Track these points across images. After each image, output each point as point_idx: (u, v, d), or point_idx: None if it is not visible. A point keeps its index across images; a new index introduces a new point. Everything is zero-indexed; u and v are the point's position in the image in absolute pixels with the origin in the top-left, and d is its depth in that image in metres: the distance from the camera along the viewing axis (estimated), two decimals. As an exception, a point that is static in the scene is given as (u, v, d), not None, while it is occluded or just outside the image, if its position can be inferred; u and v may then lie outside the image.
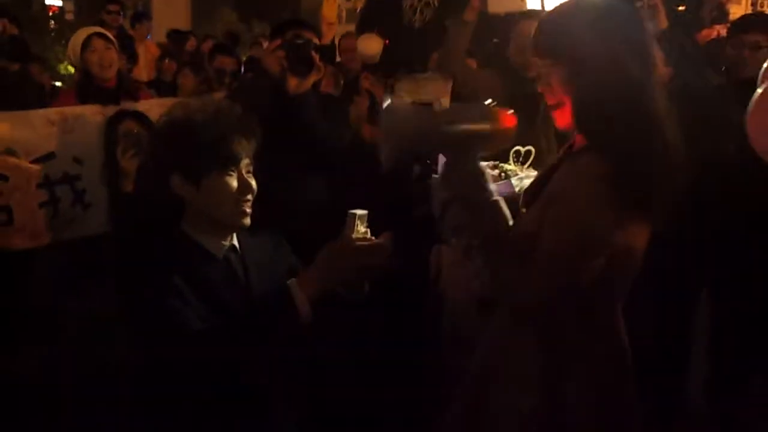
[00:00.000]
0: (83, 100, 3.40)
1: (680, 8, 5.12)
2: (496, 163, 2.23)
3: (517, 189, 2.04)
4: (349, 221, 1.65)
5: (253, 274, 1.78)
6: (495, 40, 3.75)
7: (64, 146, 2.87)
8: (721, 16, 6.69)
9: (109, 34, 3.73)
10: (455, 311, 1.81)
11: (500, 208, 1.59)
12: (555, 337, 1.57)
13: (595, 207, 1.45)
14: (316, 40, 2.82)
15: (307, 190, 2.75)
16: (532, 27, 3.34)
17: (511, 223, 1.62)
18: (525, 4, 3.34)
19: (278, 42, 2.73)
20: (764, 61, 3.23)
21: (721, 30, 5.90)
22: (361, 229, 1.66)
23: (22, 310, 3.08)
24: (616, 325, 1.67)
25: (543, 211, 1.54)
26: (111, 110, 3.18)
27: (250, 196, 1.72)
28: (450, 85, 4.02)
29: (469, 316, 1.76)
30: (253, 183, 1.73)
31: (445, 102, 3.97)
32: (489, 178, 1.59)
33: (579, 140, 1.62)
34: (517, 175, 2.17)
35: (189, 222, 1.73)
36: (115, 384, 2.29)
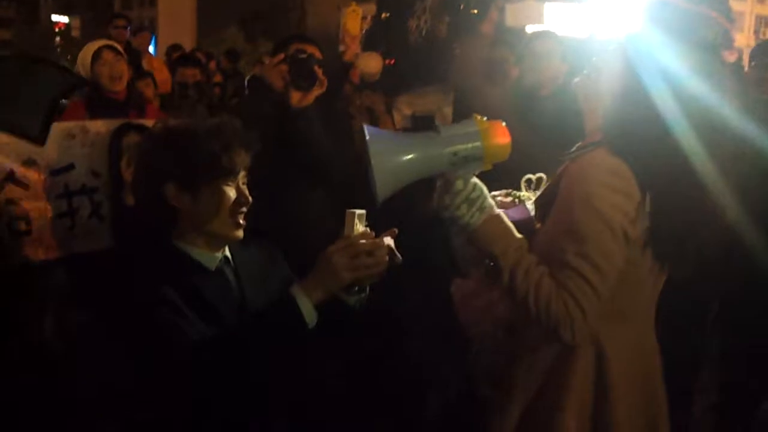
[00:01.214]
0: (92, 112, 3.41)
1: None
2: (509, 191, 2.18)
3: (533, 213, 1.99)
4: (348, 220, 1.60)
5: (248, 285, 1.75)
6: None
7: (83, 159, 2.87)
8: (727, 42, 6.77)
9: (119, 47, 3.74)
10: (481, 341, 1.74)
11: (505, 223, 1.54)
12: (600, 348, 1.55)
13: (611, 195, 1.45)
14: (318, 55, 2.81)
15: (309, 203, 2.73)
16: (545, 46, 3.36)
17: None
18: (543, 19, 3.32)
19: (281, 56, 2.73)
20: None
21: (728, 56, 5.93)
22: (360, 228, 1.61)
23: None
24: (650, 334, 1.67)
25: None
26: (118, 123, 3.18)
27: (245, 208, 1.70)
28: (451, 96, 4.00)
29: (498, 344, 1.70)
30: (248, 195, 1.71)
31: (448, 112, 3.95)
32: (486, 194, 1.54)
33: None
34: (530, 200, 2.12)
35: (180, 234, 1.70)
36: (113, 400, 2.25)
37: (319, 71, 2.66)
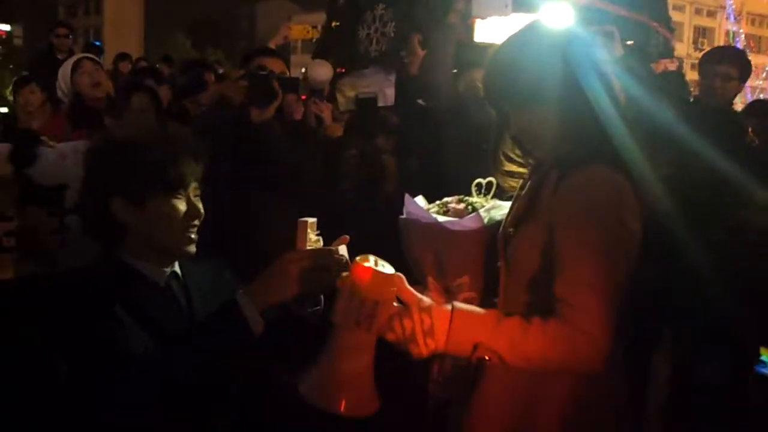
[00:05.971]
0: (74, 122, 3.45)
1: (629, 42, 5.32)
2: (461, 197, 2.17)
3: (486, 221, 1.92)
4: (300, 229, 1.58)
5: (197, 301, 1.70)
6: None
7: (77, 179, 2.89)
8: (667, 51, 6.99)
9: (97, 58, 3.80)
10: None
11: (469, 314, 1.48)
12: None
13: (626, 219, 1.45)
14: (281, 69, 2.84)
15: (272, 214, 2.76)
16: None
17: None
18: (509, 11, 3.32)
19: (241, 72, 2.76)
20: (733, 92, 3.38)
21: (668, 64, 6.13)
22: (312, 236, 1.59)
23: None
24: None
25: (545, 232, 1.52)
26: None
27: (197, 222, 1.64)
28: (393, 76, 4.05)
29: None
30: (201, 208, 1.65)
31: (390, 93, 3.99)
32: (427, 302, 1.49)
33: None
34: (483, 207, 2.12)
35: (129, 249, 1.63)
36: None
37: (277, 87, 2.67)
